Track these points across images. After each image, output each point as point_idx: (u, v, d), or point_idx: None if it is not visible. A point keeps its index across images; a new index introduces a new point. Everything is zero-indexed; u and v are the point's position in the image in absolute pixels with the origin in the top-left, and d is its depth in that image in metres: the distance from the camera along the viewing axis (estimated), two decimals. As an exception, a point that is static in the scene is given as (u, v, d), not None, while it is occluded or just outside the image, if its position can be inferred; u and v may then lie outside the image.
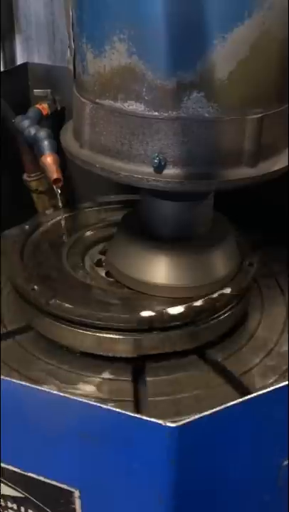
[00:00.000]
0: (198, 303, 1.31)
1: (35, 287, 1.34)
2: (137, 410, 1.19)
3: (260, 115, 1.17)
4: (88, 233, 1.62)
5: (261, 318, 1.49)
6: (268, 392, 0.81)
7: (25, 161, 1.82)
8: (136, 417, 0.78)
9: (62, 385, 1.23)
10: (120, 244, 1.44)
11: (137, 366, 1.31)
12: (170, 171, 1.17)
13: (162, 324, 1.28)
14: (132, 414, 0.78)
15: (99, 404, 0.79)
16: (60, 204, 1.58)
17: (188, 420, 0.74)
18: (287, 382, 0.82)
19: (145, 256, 1.39)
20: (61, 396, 0.81)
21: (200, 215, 1.40)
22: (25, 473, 0.94)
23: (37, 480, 0.94)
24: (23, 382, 0.84)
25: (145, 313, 1.27)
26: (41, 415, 0.86)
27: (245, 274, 1.42)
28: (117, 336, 1.29)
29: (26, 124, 1.66)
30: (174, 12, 1.06)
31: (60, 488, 0.92)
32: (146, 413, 1.07)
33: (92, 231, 1.63)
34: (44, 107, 1.87)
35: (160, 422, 0.74)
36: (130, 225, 1.46)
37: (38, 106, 1.87)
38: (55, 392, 0.83)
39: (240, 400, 0.79)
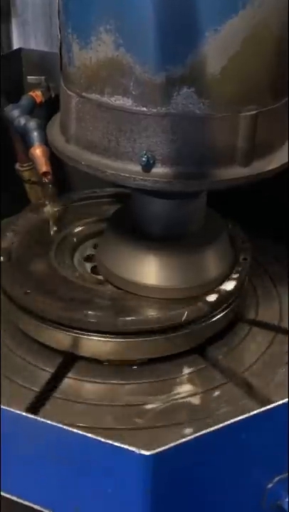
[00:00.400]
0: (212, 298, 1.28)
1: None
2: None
3: (254, 112, 1.11)
4: (79, 228, 1.56)
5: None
6: (246, 417, 0.76)
7: (18, 150, 1.77)
8: (111, 444, 0.73)
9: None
10: (109, 242, 1.39)
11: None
12: (158, 169, 1.12)
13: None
14: (107, 441, 0.73)
15: (75, 430, 0.74)
16: (47, 198, 1.52)
17: (163, 448, 0.70)
18: (262, 409, 0.78)
19: (135, 255, 1.34)
20: (38, 420, 0.77)
21: (192, 212, 1.35)
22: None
23: (11, 500, 0.90)
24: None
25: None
26: (19, 437, 0.82)
27: (241, 270, 1.37)
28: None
29: (16, 114, 1.61)
30: (163, 2, 1.00)
31: (34, 509, 0.89)
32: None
33: (83, 226, 1.57)
34: (38, 95, 1.81)
35: (134, 449, 0.70)
36: (120, 221, 1.40)
37: (31, 93, 1.80)
38: (30, 416, 0.78)
39: (217, 426, 0.74)
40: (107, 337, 1.23)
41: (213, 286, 1.33)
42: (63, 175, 1.74)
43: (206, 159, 1.12)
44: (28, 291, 1.29)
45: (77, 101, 1.15)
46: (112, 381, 1.25)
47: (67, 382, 1.25)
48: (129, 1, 1.02)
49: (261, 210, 1.66)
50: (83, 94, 1.13)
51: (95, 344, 1.24)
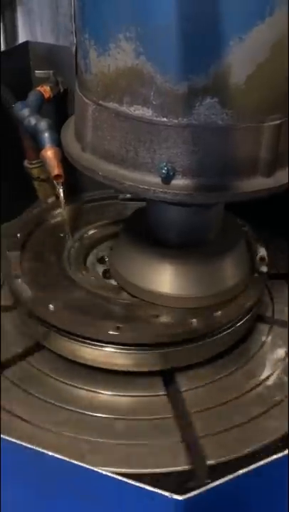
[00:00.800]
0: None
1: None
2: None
3: (278, 121, 1.07)
4: (92, 232, 1.52)
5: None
6: (278, 458, 0.74)
7: (26, 147, 1.73)
8: (139, 487, 0.71)
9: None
10: (124, 249, 1.36)
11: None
12: (179, 181, 1.08)
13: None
14: (137, 484, 0.71)
15: (102, 471, 0.72)
16: (62, 202, 1.48)
17: (196, 492, 0.68)
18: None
19: (150, 263, 1.31)
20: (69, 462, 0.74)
21: (209, 219, 1.32)
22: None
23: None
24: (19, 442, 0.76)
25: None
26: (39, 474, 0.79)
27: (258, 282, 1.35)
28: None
29: (26, 114, 1.56)
30: (186, 10, 0.95)
31: None
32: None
33: (96, 229, 1.54)
34: (46, 90, 1.76)
35: (166, 494, 0.68)
36: (135, 227, 1.37)
37: (39, 89, 1.75)
38: (51, 453, 0.76)
39: (250, 468, 0.72)
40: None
41: (230, 295, 1.30)
42: (76, 175, 1.70)
43: (228, 170, 1.08)
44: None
45: (94, 109, 1.11)
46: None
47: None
48: (151, 8, 0.97)
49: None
50: (100, 102, 1.09)
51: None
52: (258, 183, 1.10)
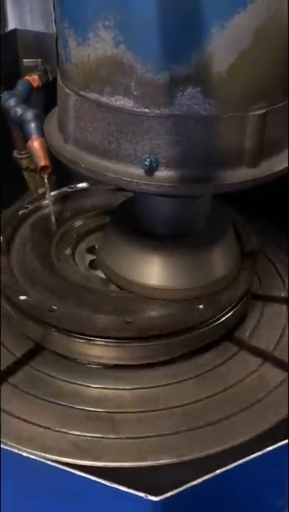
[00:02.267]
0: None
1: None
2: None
3: (263, 110, 1.04)
4: (79, 222, 1.51)
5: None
6: (252, 459, 0.73)
7: (15, 137, 1.70)
8: (116, 488, 0.70)
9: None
10: (112, 241, 1.34)
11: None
12: (162, 173, 1.06)
13: None
14: (112, 485, 0.70)
15: (78, 473, 0.71)
16: (48, 193, 1.46)
17: (172, 493, 0.67)
18: (268, 449, 0.74)
19: (138, 255, 1.29)
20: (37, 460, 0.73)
21: (197, 210, 1.30)
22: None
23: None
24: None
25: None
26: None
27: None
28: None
29: (13, 103, 1.53)
30: (165, -3, 0.93)
31: None
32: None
33: (84, 219, 1.52)
34: (34, 79, 1.74)
35: (141, 494, 0.67)
36: (122, 219, 1.35)
37: (27, 77, 1.73)
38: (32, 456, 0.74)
39: (229, 467, 0.71)
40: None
41: (219, 286, 1.29)
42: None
43: (212, 161, 1.06)
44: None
45: (76, 100, 1.08)
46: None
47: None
48: (129, -5, 0.94)
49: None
50: (81, 92, 1.07)
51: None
52: (243, 174, 1.08)
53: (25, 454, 0.77)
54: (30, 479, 0.80)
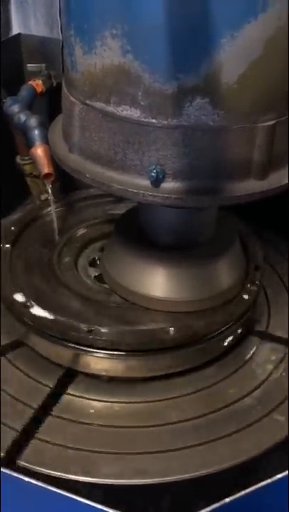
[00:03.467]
0: None
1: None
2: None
3: (272, 122, 1.02)
4: (83, 231, 1.49)
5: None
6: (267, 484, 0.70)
7: (19, 143, 1.68)
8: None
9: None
10: (115, 251, 1.32)
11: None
12: (169, 184, 1.04)
13: None
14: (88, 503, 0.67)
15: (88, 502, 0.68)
16: (52, 201, 1.44)
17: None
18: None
19: (142, 266, 1.27)
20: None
21: (203, 221, 1.28)
22: None
23: None
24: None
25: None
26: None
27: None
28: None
29: (16, 110, 1.51)
30: (175, 6, 0.91)
31: None
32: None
33: (88, 228, 1.50)
34: (38, 84, 1.72)
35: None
36: (126, 229, 1.33)
37: (31, 83, 1.71)
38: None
39: (239, 494, 0.69)
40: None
41: (224, 299, 1.26)
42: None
43: (220, 173, 1.04)
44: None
45: (81, 108, 1.06)
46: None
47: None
48: (138, 4, 0.92)
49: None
50: (87, 101, 1.05)
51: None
52: (251, 186, 1.06)
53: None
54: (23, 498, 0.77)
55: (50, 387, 1.22)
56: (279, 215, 1.57)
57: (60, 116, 1.23)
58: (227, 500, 0.68)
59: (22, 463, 1.03)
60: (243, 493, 0.70)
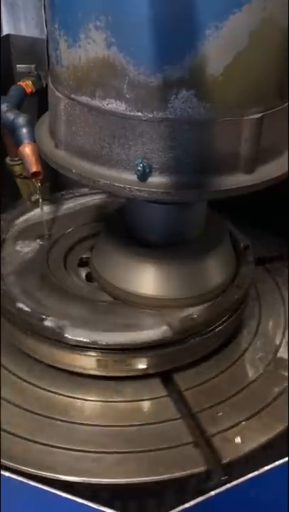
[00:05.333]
0: None
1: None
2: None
3: (259, 115, 1.01)
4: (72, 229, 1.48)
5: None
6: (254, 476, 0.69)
7: (8, 143, 1.67)
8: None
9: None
10: (105, 250, 1.31)
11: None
12: (155, 179, 1.03)
13: None
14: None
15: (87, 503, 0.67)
16: (40, 200, 1.43)
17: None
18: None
19: (132, 264, 1.26)
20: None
21: (192, 218, 1.27)
22: None
23: None
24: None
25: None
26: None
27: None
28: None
29: (4, 109, 1.50)
30: (158, -3, 0.90)
31: None
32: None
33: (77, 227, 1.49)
34: (28, 85, 1.72)
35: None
36: (115, 228, 1.32)
37: (21, 83, 1.71)
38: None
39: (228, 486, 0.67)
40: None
41: (215, 294, 1.25)
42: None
43: (207, 167, 1.03)
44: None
45: (66, 103, 1.05)
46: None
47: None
48: (121, -5, 0.92)
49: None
50: (72, 96, 1.04)
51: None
52: (238, 180, 1.04)
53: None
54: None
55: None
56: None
57: (46, 114, 1.22)
58: (212, 493, 0.66)
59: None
60: (234, 483, 0.68)
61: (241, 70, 0.96)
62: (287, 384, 1.23)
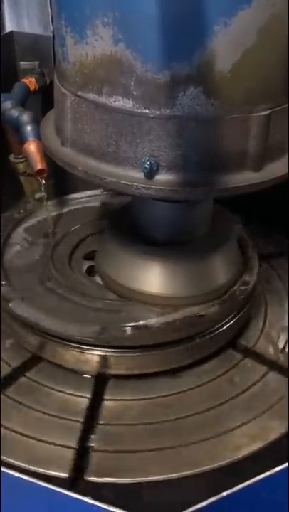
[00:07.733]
0: None
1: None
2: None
3: (267, 112, 1.01)
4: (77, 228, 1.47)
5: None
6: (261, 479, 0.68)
7: (12, 141, 1.66)
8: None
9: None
10: (110, 248, 1.30)
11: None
12: (162, 176, 1.02)
13: None
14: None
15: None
16: (44, 197, 1.43)
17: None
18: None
19: (137, 262, 1.25)
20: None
21: (198, 215, 1.26)
22: None
23: None
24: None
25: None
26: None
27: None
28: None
29: (9, 106, 1.49)
30: (167, -7, 0.89)
31: None
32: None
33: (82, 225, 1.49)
34: (31, 82, 1.70)
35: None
36: (120, 225, 1.31)
37: (24, 80, 1.70)
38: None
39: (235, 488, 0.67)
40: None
41: (220, 294, 1.25)
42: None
43: (215, 165, 1.02)
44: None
45: (73, 100, 1.05)
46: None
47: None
48: (129, -9, 0.91)
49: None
50: (79, 93, 1.03)
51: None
52: (246, 178, 1.04)
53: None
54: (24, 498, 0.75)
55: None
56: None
57: (52, 111, 1.21)
58: (224, 494, 0.66)
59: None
60: (241, 486, 0.68)
61: (250, 66, 0.96)
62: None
